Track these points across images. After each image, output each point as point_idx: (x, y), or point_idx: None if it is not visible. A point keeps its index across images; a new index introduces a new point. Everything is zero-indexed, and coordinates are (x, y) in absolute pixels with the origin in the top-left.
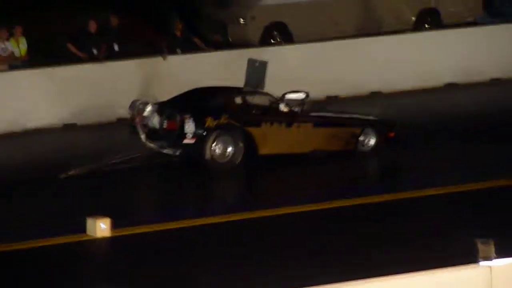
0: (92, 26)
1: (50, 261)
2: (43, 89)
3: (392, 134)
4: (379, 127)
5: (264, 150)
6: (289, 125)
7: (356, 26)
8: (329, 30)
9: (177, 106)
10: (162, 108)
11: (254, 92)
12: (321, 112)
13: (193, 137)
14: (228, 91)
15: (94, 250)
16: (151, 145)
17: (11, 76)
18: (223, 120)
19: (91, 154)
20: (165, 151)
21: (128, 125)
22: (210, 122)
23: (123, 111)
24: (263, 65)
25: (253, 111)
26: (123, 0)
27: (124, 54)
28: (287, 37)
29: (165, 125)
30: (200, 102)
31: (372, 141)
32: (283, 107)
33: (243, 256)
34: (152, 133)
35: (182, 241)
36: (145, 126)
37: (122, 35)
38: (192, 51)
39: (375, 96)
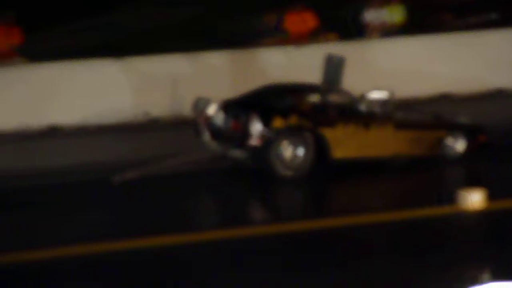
0: None
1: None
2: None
3: (483, 138)
4: (468, 130)
5: (338, 153)
6: (367, 126)
7: None
8: None
9: (244, 105)
10: (228, 106)
11: (329, 91)
12: (405, 113)
13: (258, 139)
14: (301, 89)
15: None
16: (216, 146)
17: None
18: (293, 120)
19: None
20: (232, 153)
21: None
22: (277, 122)
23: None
24: (341, 61)
25: (327, 111)
26: None
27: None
28: None
29: (229, 125)
30: (269, 100)
31: (461, 146)
32: (363, 107)
33: None
34: (218, 134)
35: None
36: (209, 126)
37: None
38: None
39: None
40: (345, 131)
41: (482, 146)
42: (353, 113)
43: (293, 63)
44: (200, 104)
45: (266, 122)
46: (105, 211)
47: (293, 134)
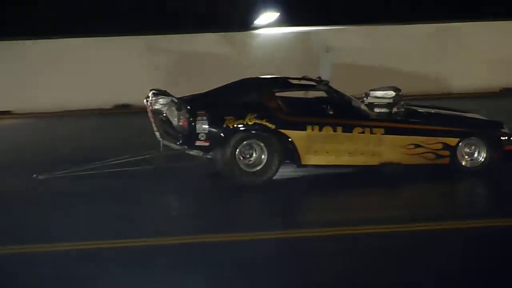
0: None
1: None
2: None
3: (510, 147)
4: (489, 135)
5: (308, 160)
6: (347, 130)
7: None
8: None
9: (199, 101)
10: (184, 102)
11: (315, 87)
12: (410, 114)
13: (205, 140)
14: (276, 85)
15: None
16: (168, 144)
17: None
18: (248, 120)
19: None
20: (192, 152)
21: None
22: (230, 121)
23: None
24: (330, 53)
25: (302, 110)
26: None
27: None
28: None
29: (180, 122)
30: (232, 97)
31: (481, 156)
32: (358, 107)
33: None
34: (170, 131)
35: None
36: (163, 122)
37: None
38: None
39: None
40: (317, 134)
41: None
42: (337, 113)
43: None
44: (150, 97)
45: (216, 122)
46: None
47: (249, 136)
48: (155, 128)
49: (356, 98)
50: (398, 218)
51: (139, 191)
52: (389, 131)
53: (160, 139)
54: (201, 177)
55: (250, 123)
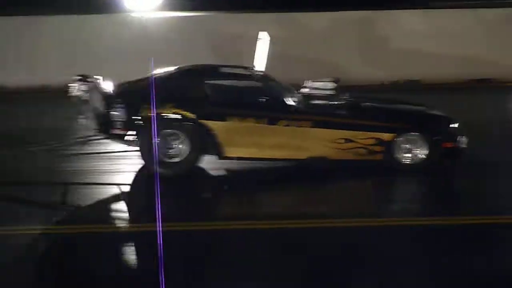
0: None
1: None
2: None
3: (448, 145)
4: (430, 131)
5: (230, 152)
6: (272, 122)
7: None
8: None
9: (122, 88)
10: (104, 88)
11: (243, 76)
12: (348, 108)
13: (122, 128)
14: (202, 72)
15: None
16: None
17: None
18: (167, 109)
19: None
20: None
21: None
22: (146, 110)
23: None
24: (265, 42)
25: (224, 100)
26: None
27: None
28: None
29: (103, 109)
30: (163, 85)
31: (421, 152)
32: (292, 99)
33: None
34: (95, 118)
35: None
36: (87, 108)
37: None
38: None
39: None
40: (239, 126)
41: (448, 154)
42: (264, 104)
43: None
44: (75, 83)
45: (133, 110)
46: None
47: (167, 125)
48: (80, 115)
49: (294, 89)
50: None
51: None
52: (316, 124)
53: (83, 125)
54: None
55: (168, 112)
